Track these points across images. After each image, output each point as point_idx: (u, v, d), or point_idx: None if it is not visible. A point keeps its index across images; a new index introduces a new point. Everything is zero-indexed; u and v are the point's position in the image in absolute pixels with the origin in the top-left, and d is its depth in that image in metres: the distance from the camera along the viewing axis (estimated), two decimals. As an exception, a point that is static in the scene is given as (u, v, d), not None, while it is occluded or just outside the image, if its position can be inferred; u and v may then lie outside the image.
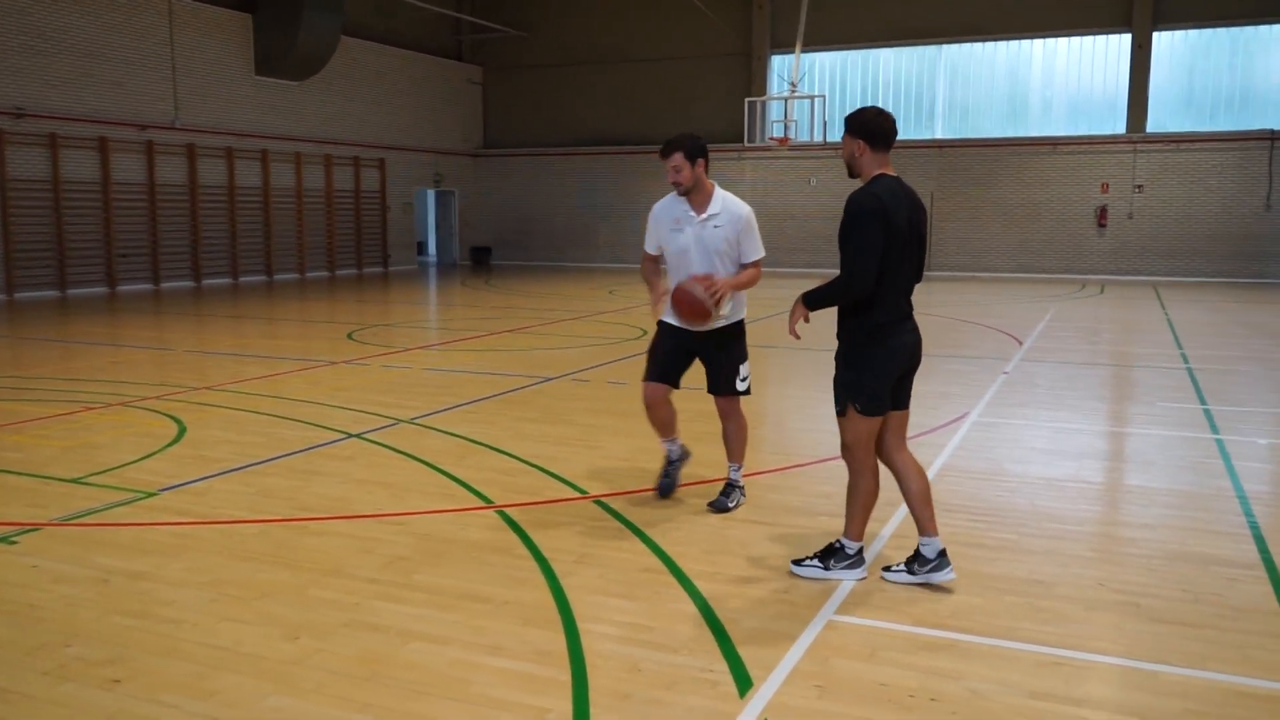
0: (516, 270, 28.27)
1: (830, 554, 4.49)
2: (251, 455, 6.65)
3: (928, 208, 26.16)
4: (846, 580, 4.42)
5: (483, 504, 5.58)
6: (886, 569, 4.49)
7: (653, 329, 5.61)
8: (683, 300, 5.03)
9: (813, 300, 4.23)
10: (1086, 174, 25.47)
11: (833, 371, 4.40)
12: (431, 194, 31.90)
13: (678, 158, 5.18)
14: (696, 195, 5.26)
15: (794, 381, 9.97)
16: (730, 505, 5.51)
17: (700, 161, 5.21)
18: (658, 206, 5.42)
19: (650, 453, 6.61)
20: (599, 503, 5.62)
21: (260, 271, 24.09)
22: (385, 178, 27.68)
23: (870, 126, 4.21)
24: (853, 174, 4.32)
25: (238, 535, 5.06)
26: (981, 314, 16.16)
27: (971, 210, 25.94)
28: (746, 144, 26.49)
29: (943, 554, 4.42)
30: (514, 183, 31.25)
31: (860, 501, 4.44)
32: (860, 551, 4.49)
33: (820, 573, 4.46)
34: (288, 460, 6.56)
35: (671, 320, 5.42)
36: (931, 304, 17.81)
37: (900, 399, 4.41)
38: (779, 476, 6.28)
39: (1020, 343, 12.55)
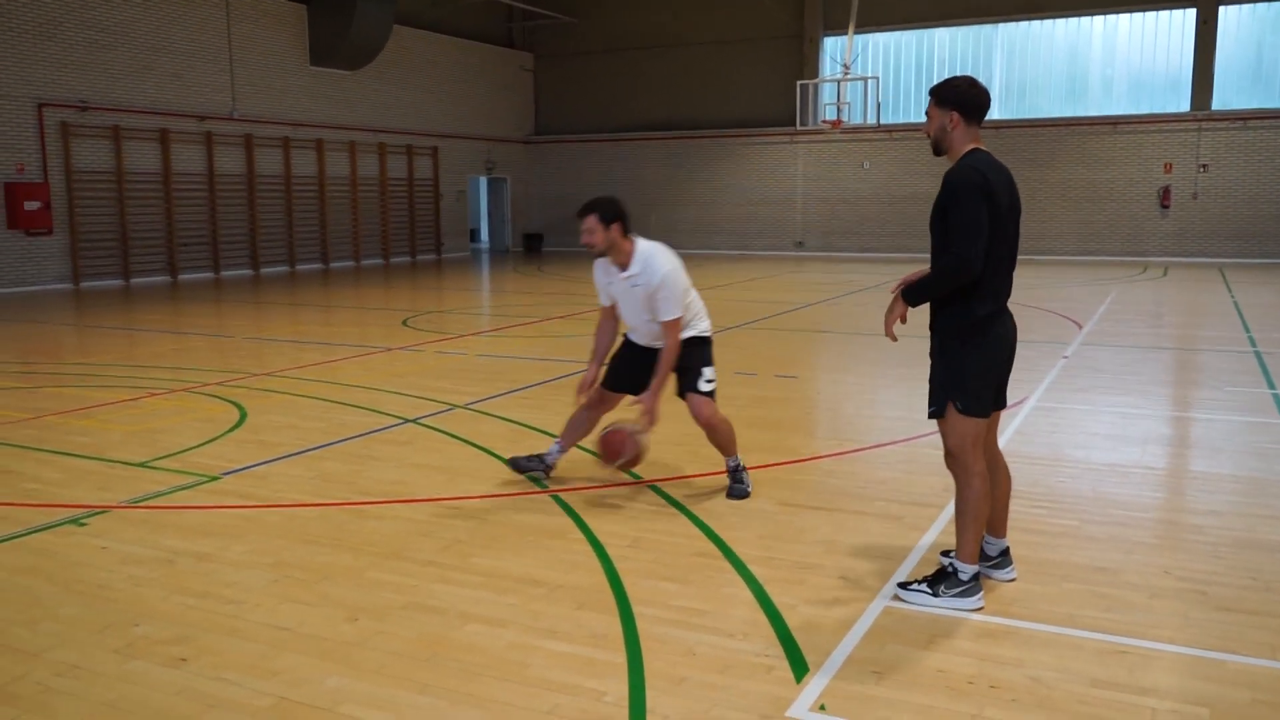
0: (568, 257, 28.35)
1: (941, 579, 4.01)
2: (310, 440, 6.76)
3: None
4: (958, 612, 3.92)
5: (537, 488, 5.62)
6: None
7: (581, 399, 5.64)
8: (607, 444, 5.23)
9: (915, 294, 3.87)
10: (1149, 154, 24.89)
11: (921, 361, 4.16)
12: (484, 181, 32.07)
13: (590, 221, 5.23)
14: (616, 256, 5.30)
15: (848, 367, 9.89)
16: (748, 489, 5.47)
17: (615, 225, 5.23)
18: (595, 265, 5.49)
19: (703, 442, 6.60)
20: (653, 487, 5.63)
21: (316, 259, 24.43)
22: (438, 166, 27.89)
23: (965, 96, 3.89)
24: (939, 150, 3.96)
25: (298, 518, 5.15)
26: (1041, 297, 15.89)
27: (1030, 192, 25.48)
28: (799, 127, 26.26)
29: (1005, 552, 4.26)
30: (565, 169, 31.32)
31: (971, 514, 3.96)
32: (976, 577, 3.98)
33: (928, 600, 3.97)
34: (346, 445, 6.65)
35: (631, 336, 5.55)
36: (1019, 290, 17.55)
37: (1000, 397, 4.08)
38: (835, 462, 6.24)
39: (1081, 326, 12.33)
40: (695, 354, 5.44)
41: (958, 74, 4.18)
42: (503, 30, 30.83)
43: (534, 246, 31.15)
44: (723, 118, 28.82)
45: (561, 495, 5.47)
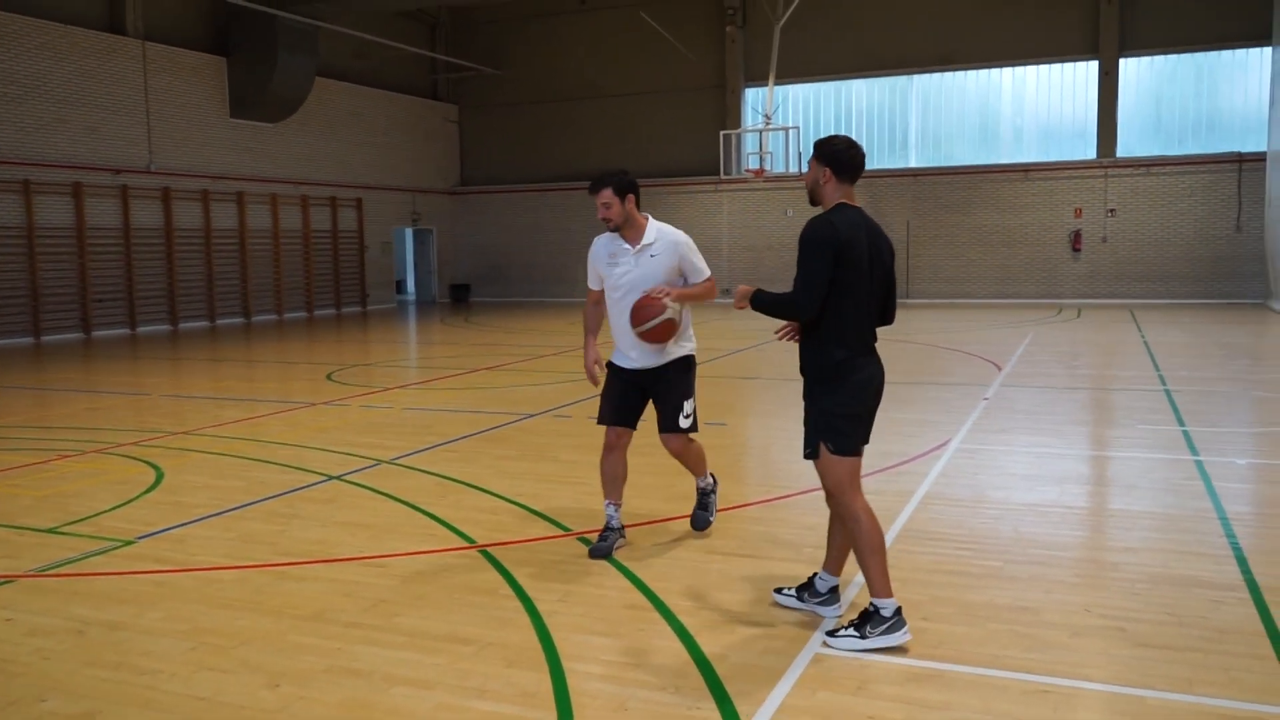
0: (495, 307, 28.28)
1: (866, 620, 4.06)
2: (230, 500, 6.60)
3: (903, 236, 26.38)
4: (889, 645, 4.01)
5: (465, 544, 5.55)
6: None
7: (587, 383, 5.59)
8: (638, 308, 5.03)
9: (760, 301, 4.18)
10: (1060, 199, 25.77)
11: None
12: (410, 232, 31.91)
13: (606, 194, 5.18)
14: (629, 230, 5.26)
15: (777, 412, 9.98)
16: (711, 517, 5.57)
17: (630, 197, 5.21)
18: (594, 245, 5.42)
19: (636, 488, 6.59)
20: (582, 540, 5.60)
21: (237, 313, 23.99)
22: (363, 217, 27.70)
23: (840, 156, 4.13)
24: (814, 201, 4.22)
25: (217, 582, 5.01)
26: (961, 340, 16.28)
27: (947, 238, 26.18)
28: (723, 176, 26.65)
29: (835, 590, 4.41)
30: (491, 220, 31.34)
31: (868, 548, 4.06)
32: (898, 611, 4.05)
33: (856, 643, 4.02)
34: (267, 504, 6.51)
35: (619, 361, 5.38)
36: (910, 331, 17.92)
37: (866, 434, 4.24)
38: (763, 509, 6.27)
39: (1000, 368, 12.63)
40: (682, 381, 5.27)
41: (843, 133, 4.48)
42: (427, 82, 30.91)
43: (461, 297, 31.00)
44: (648, 167, 29.15)
45: (491, 551, 5.41)
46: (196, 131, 22.97)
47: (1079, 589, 4.74)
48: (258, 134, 24.52)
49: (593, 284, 5.49)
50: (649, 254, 5.23)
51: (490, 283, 31.33)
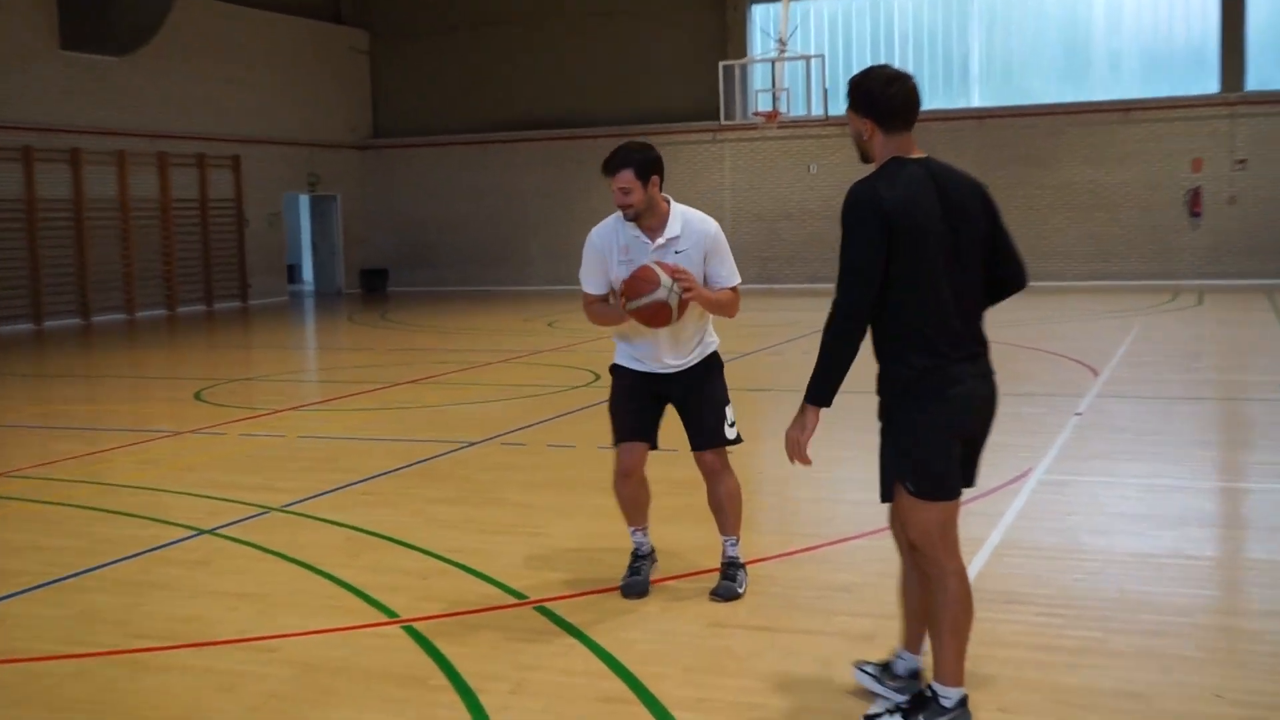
0: (421, 299, 28.23)
1: (920, 707, 4.08)
2: (66, 565, 6.55)
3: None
4: None
5: (385, 618, 5.52)
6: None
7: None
8: (631, 279, 5.25)
9: (815, 386, 4.05)
10: (1172, 147, 25.96)
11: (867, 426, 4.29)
12: (305, 201, 31.86)
13: (626, 176, 5.32)
14: (649, 219, 5.43)
15: (799, 436, 9.98)
16: (740, 590, 5.67)
17: (654, 179, 5.38)
18: (597, 234, 5.59)
19: (611, 537, 6.58)
20: (541, 609, 5.58)
21: (73, 312, 23.88)
22: (241, 181, 27.63)
23: (879, 99, 4.09)
24: (865, 159, 4.22)
25: (49, 677, 4.96)
26: (1043, 337, 16.35)
27: (1023, 200, 26.29)
28: (724, 122, 26.75)
29: (964, 702, 4.14)
30: (416, 183, 31.30)
31: (949, 623, 4.03)
32: (963, 703, 4.07)
33: None
34: (116, 569, 6.47)
35: (627, 363, 5.64)
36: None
37: (968, 472, 4.17)
38: (782, 565, 6.27)
39: (1096, 373, 12.68)
40: (713, 384, 5.61)
41: (880, 63, 4.35)
42: (327, 1, 30.86)
43: (375, 286, 30.96)
44: (624, 111, 29.20)
45: (418, 627, 5.39)
46: (15, 69, 22.84)
47: (1206, 667, 4.75)
48: (98, 71, 24.40)
49: (593, 287, 5.64)
50: (674, 250, 5.41)
51: (414, 267, 31.29)
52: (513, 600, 5.75)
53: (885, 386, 4.09)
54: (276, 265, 29.14)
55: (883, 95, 4.11)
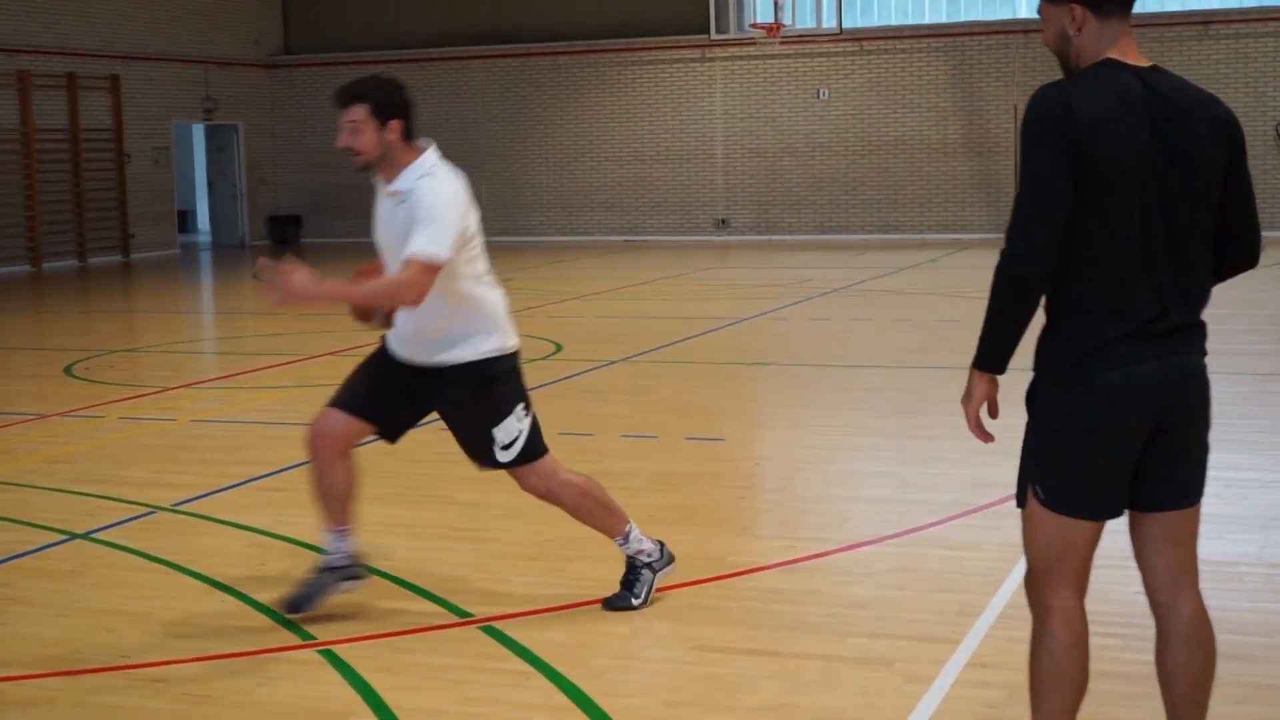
0: (342, 252, 28.05)
1: None
2: (-94, 576, 6.52)
3: (1009, 127, 26.46)
4: None
5: (298, 640, 5.51)
6: None
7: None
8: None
9: (984, 351, 3.76)
10: (1260, 69, 25.97)
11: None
12: (200, 131, 31.66)
13: (358, 111, 5.41)
14: (388, 169, 5.52)
15: (804, 420, 10.00)
16: (635, 601, 5.67)
17: (395, 123, 5.46)
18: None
19: (576, 543, 6.58)
20: (489, 630, 5.57)
21: (-85, 268, 23.72)
22: (121, 107, 27.45)
23: None
24: (1067, 68, 3.85)
25: (-116, 711, 4.94)
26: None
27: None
28: (714, 36, 26.69)
29: None
30: (334, 109, 31.06)
31: (1044, 678, 3.83)
32: None
33: None
34: (-33, 581, 6.43)
35: (394, 347, 5.77)
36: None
37: (1161, 487, 3.83)
38: (785, 575, 6.27)
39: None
40: (477, 410, 5.61)
41: None
42: (225, -117, 30.63)
43: (285, 236, 30.83)
44: (592, 23, 29.07)
45: (336, 650, 5.39)
46: None
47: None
48: (-56, -30, 24.17)
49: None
50: (397, 201, 5.48)
51: (332, 214, 31.08)
52: (455, 619, 5.72)
53: (1039, 361, 3.78)
54: (165, 211, 28.97)
55: None
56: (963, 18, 27.31)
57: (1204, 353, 3.79)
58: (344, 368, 13.10)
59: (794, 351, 13.33)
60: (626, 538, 5.74)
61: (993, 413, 3.79)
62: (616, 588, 5.79)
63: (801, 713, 4.73)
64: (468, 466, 8.50)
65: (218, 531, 7.21)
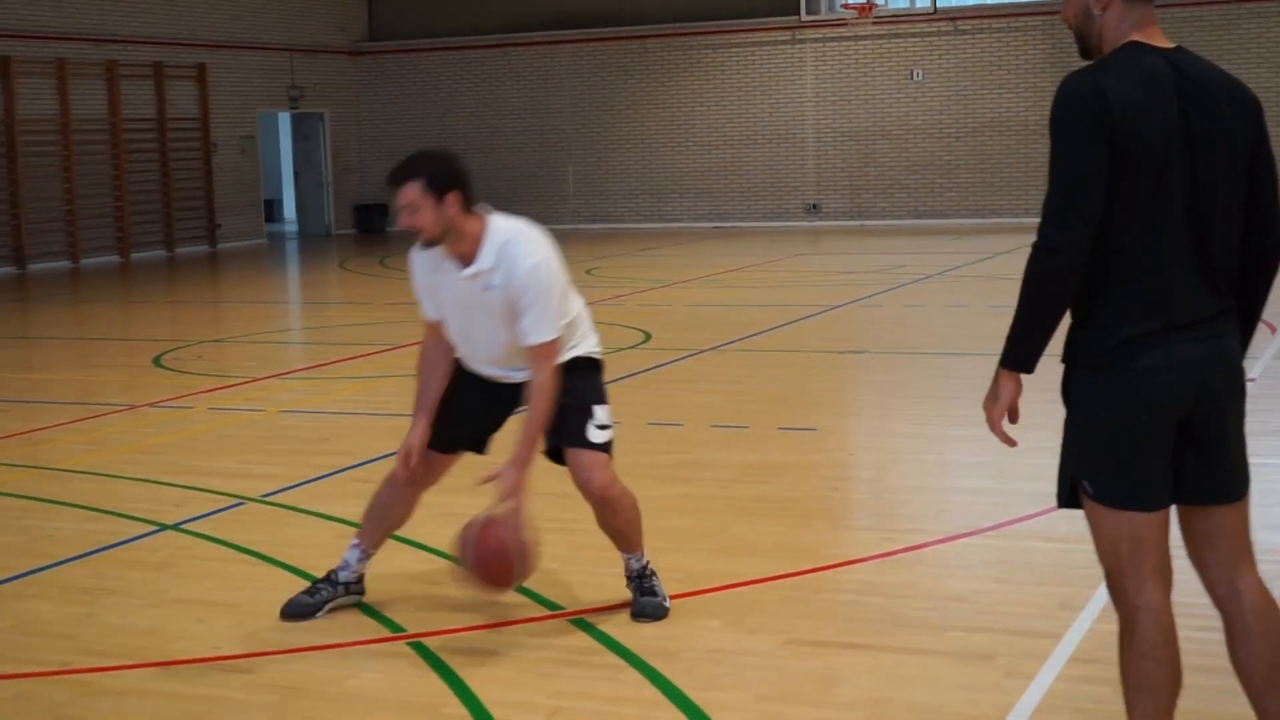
0: (430, 241, 28.25)
1: None
2: (1, 567, 6.62)
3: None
4: None
5: (388, 632, 5.56)
6: None
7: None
8: (489, 549, 5.33)
9: (1013, 348, 3.74)
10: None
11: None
12: (286, 120, 31.96)
13: (411, 191, 5.30)
14: (455, 244, 5.41)
15: (900, 410, 9.96)
16: (666, 603, 5.66)
17: (452, 195, 5.34)
18: (412, 258, 5.64)
19: (668, 534, 6.59)
20: (580, 622, 5.61)
21: (3, 259, 24.07)
22: (207, 97, 27.74)
23: None
24: (1086, 50, 3.84)
25: (-19, 701, 5.04)
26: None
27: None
28: (805, 17, 26.57)
29: None
30: (421, 96, 31.31)
31: (1134, 679, 3.80)
32: None
33: None
34: (61, 572, 6.53)
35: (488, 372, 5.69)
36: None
37: (1205, 478, 3.84)
38: (880, 568, 6.26)
39: (1274, 329, 12.55)
40: (581, 386, 5.56)
41: None
42: None
43: (372, 226, 31.05)
44: (681, 5, 29.02)
45: (426, 642, 5.43)
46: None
47: None
48: (31, -40, 24.53)
49: (428, 312, 5.70)
50: (483, 285, 5.38)
51: (420, 201, 31.26)
52: (546, 611, 5.75)
53: (1071, 354, 3.77)
54: (251, 200, 29.30)
55: None
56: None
57: (1238, 337, 3.81)
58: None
59: (887, 339, 13.26)
60: (643, 553, 5.75)
61: (1014, 417, 3.80)
62: (711, 585, 5.79)
63: (898, 709, 4.73)
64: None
65: (306, 522, 7.30)
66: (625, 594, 5.94)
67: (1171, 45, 3.74)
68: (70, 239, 25.05)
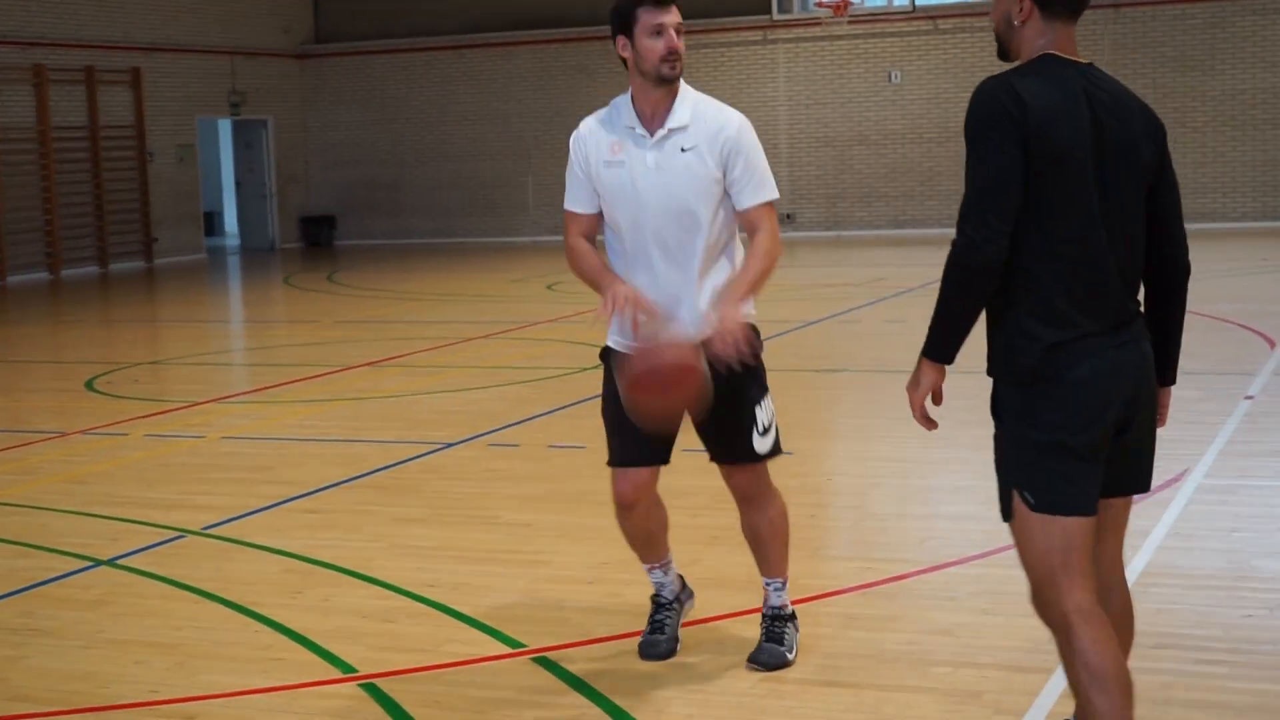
0: (380, 255, 28.25)
1: None
2: (-78, 606, 6.59)
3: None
4: None
5: (338, 673, 5.54)
6: None
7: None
8: (650, 372, 4.87)
9: (934, 339, 4.02)
10: None
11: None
12: (227, 128, 31.88)
13: (676, 12, 5.16)
14: (647, 99, 5.24)
15: (882, 432, 9.97)
16: (790, 655, 5.49)
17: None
18: (582, 132, 5.44)
19: (634, 566, 6.58)
20: (542, 661, 5.59)
21: (-74, 277, 23.95)
22: (143, 102, 27.66)
23: None
24: (1005, 53, 4.14)
25: (-98, 752, 5.01)
26: (1202, 295, 16.14)
27: (1176, 116, 25.99)
28: (777, 16, 26.65)
29: None
30: (372, 102, 31.26)
31: (1092, 683, 3.93)
32: None
33: None
34: (-13, 612, 6.51)
35: (622, 345, 5.29)
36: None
37: (1123, 475, 4.10)
38: (861, 600, 6.27)
39: (1273, 343, 12.61)
40: (743, 375, 5.20)
41: None
42: None
43: (319, 239, 31.03)
44: (644, 3, 29.01)
45: (379, 684, 5.40)
46: None
47: None
48: (-46, -41, 24.45)
49: (577, 205, 5.44)
50: (679, 147, 5.20)
51: (369, 214, 31.26)
52: (505, 650, 5.73)
53: (998, 367, 4.02)
54: (190, 213, 29.20)
55: None
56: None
57: (1150, 339, 4.10)
58: (383, 379, 13.24)
59: (867, 357, 13.28)
60: (785, 581, 5.60)
61: (937, 399, 4.08)
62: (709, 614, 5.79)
63: (882, 749, 4.72)
64: (518, 484, 8.57)
65: (251, 556, 7.26)
66: (590, 630, 5.93)
67: (1085, 61, 4.04)
68: (-4, 255, 24.98)
